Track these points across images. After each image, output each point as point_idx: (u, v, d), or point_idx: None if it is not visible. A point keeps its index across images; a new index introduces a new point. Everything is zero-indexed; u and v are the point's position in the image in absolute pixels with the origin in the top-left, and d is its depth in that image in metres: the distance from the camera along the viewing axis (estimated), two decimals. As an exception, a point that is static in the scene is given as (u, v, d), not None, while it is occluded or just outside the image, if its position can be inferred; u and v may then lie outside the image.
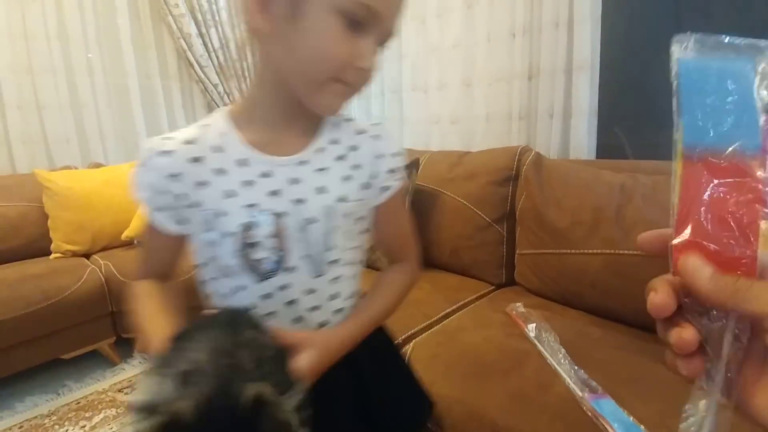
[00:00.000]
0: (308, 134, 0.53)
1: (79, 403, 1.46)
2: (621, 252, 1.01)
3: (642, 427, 0.67)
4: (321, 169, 0.52)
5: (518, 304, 1.06)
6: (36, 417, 1.39)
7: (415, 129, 2.06)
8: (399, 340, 0.98)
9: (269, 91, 0.51)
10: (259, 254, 0.50)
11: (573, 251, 1.08)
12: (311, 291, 0.53)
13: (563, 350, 0.85)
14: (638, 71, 1.58)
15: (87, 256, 1.76)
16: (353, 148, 0.55)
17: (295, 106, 0.50)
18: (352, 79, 0.47)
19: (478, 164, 1.38)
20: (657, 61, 1.55)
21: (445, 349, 0.91)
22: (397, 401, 0.63)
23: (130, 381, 1.56)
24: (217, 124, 0.52)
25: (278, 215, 0.50)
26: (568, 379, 0.77)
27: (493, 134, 1.77)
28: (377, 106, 2.23)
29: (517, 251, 1.26)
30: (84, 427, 1.35)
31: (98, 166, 2.08)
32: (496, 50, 1.73)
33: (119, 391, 1.51)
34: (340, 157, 0.54)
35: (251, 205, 0.49)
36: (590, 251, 1.05)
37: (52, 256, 1.72)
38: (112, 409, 1.42)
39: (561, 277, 1.11)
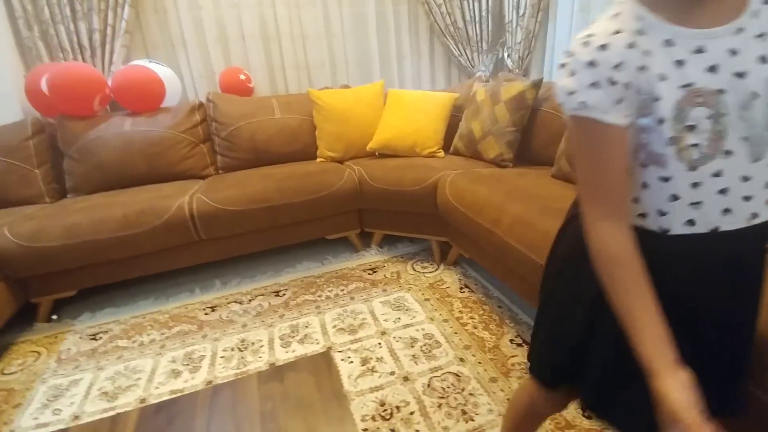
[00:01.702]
0: None
1: (337, 272, 1.90)
2: None
3: None
4: (760, 35, 0.46)
5: None
6: (310, 276, 1.89)
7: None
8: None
9: None
10: (693, 139, 0.47)
11: None
12: (746, 178, 0.49)
13: None
14: None
15: (341, 162, 2.15)
16: None
17: None
18: None
19: None
20: None
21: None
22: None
23: (370, 265, 1.94)
24: (628, 10, 0.49)
25: (717, 93, 0.46)
26: None
27: None
28: None
29: None
30: (343, 290, 1.77)
31: (346, 87, 2.42)
32: None
33: (363, 270, 1.90)
34: None
35: (686, 86, 0.46)
36: None
37: (318, 160, 2.17)
38: (360, 282, 1.81)
39: None
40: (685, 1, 0.47)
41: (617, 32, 0.48)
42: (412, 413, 1.17)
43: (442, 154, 2.01)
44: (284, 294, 1.77)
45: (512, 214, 1.26)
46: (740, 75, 0.46)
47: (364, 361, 1.36)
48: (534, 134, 1.81)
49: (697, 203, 0.50)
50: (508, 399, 1.18)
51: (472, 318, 1.53)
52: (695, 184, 0.49)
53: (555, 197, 1.32)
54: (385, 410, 1.18)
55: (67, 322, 1.70)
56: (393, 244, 2.12)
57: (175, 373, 1.37)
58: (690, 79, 0.46)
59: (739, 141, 0.47)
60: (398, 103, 2.07)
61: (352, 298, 1.70)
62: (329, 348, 1.43)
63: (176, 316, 1.68)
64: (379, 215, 1.95)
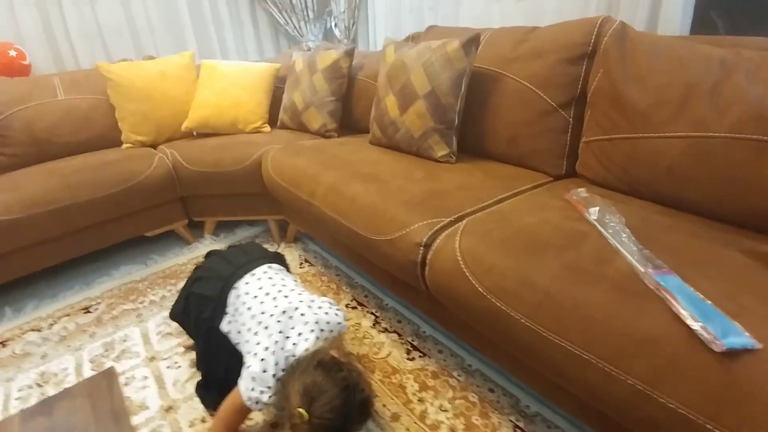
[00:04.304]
0: None
1: (164, 272, 1.69)
2: (710, 135, 0.90)
3: (709, 302, 0.64)
4: None
5: (580, 189, 1.01)
6: (131, 282, 1.64)
7: (472, 10, 1.83)
8: (451, 218, 0.99)
9: None
10: None
11: (652, 135, 0.97)
12: None
13: (627, 231, 0.81)
14: None
15: (154, 146, 1.87)
16: None
17: None
18: None
19: (548, 40, 1.22)
20: None
21: (500, 226, 0.91)
22: None
23: (204, 257, 1.76)
24: None
25: None
26: (629, 256, 0.75)
27: (568, 10, 1.54)
28: (432, -17, 1.99)
29: (584, 138, 1.17)
30: (170, 290, 1.58)
31: (151, 58, 2.09)
32: None
33: (195, 265, 1.72)
34: None
35: None
36: (673, 134, 0.94)
37: (124, 146, 1.85)
38: (192, 278, 1.64)
39: (632, 164, 1.02)
40: None
41: None
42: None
43: (267, 129, 1.91)
44: (96, 309, 1.51)
45: (326, 183, 1.26)
46: None
47: (194, 363, 1.25)
48: (354, 103, 1.84)
49: None
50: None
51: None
52: None
53: (366, 162, 1.36)
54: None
55: None
56: (231, 230, 1.97)
57: (-72, 441, 1.06)
58: None
59: None
60: (212, 75, 1.87)
61: (182, 297, 1.53)
62: (152, 358, 1.27)
63: (-66, 367, 1.29)
64: (207, 201, 1.78)
